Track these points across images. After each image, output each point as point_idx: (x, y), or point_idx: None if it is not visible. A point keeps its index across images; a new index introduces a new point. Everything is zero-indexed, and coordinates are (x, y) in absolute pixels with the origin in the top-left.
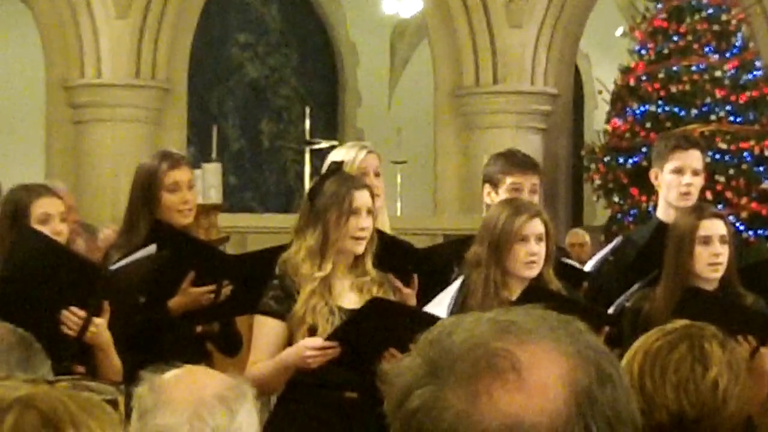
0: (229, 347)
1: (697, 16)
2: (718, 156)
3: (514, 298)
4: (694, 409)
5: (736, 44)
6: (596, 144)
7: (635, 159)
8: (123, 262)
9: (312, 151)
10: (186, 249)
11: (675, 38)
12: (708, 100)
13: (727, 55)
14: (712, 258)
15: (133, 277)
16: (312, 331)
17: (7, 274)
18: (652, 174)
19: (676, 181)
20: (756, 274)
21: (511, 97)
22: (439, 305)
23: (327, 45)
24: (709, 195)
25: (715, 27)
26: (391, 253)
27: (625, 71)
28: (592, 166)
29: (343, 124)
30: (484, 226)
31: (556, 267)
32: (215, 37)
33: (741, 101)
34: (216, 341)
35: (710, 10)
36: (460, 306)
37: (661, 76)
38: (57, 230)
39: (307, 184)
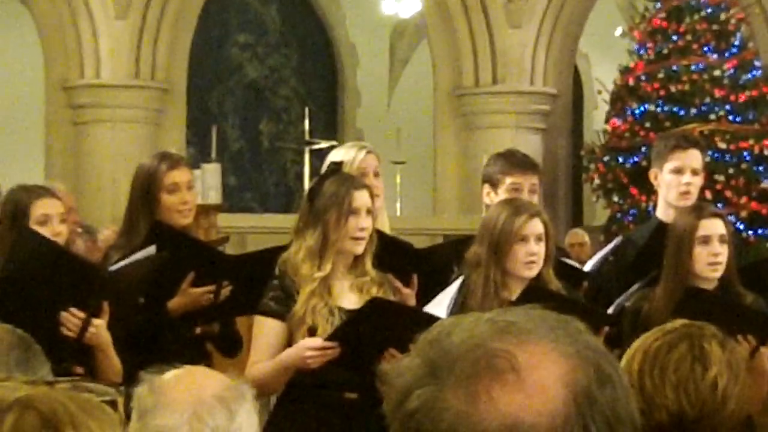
0: (228, 348)
1: (696, 16)
2: (717, 155)
3: (513, 298)
4: (693, 409)
5: (736, 44)
6: (596, 144)
7: (635, 159)
8: (122, 263)
9: (311, 152)
10: (185, 250)
11: (674, 38)
12: (707, 99)
13: (727, 54)
14: (711, 258)
15: (132, 277)
16: (312, 332)
17: (7, 275)
18: (651, 174)
19: (675, 181)
20: (756, 274)
21: (510, 97)
22: (439, 305)
23: (326, 45)
24: (708, 194)
25: (715, 27)
26: (390, 253)
27: (625, 71)
28: (592, 166)
29: (343, 124)
30: (483, 226)
31: (555, 267)
32: (215, 37)
33: (740, 101)
34: (216, 342)
35: (709, 10)
36: (459, 306)
37: (660, 75)
38: (56, 231)
39: (307, 185)
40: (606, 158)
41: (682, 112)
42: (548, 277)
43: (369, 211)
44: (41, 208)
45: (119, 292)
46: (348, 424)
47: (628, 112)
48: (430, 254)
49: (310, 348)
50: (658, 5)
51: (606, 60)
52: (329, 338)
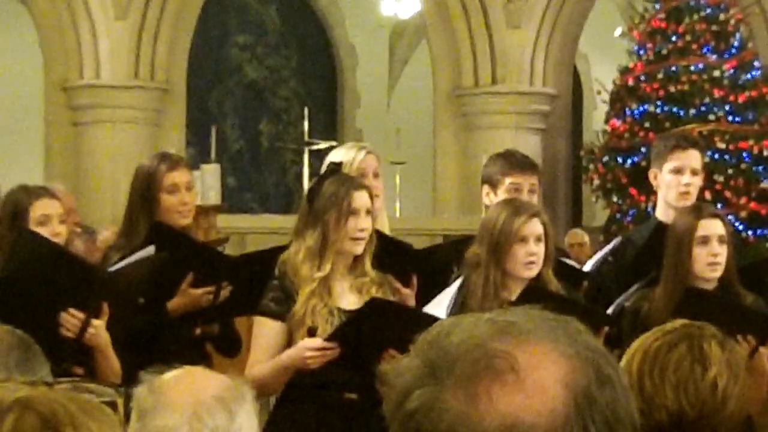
0: (228, 348)
1: (695, 17)
2: (717, 156)
3: (513, 298)
4: (693, 409)
5: (735, 44)
6: (595, 144)
7: (634, 159)
8: (122, 264)
9: (311, 152)
10: (185, 250)
11: (673, 38)
12: (707, 100)
13: (726, 55)
14: (710, 258)
15: (132, 278)
16: (311, 332)
17: (6, 276)
18: (651, 174)
19: (675, 181)
20: (755, 274)
21: (510, 97)
22: (439, 306)
23: (326, 46)
24: (708, 195)
25: (714, 27)
26: (390, 253)
27: (624, 71)
28: (591, 166)
29: (342, 124)
30: (483, 226)
31: (555, 267)
32: (214, 38)
33: (740, 101)
34: (215, 342)
35: (708, 11)
36: (459, 306)
37: (659, 76)
38: (55, 232)
39: (306, 185)
40: (605, 159)
41: (681, 113)
42: (548, 278)
43: (368, 212)
44: (40, 208)
45: (119, 293)
46: (348, 425)
47: (628, 113)
48: (429, 255)
49: (309, 348)
50: (658, 6)
51: (605, 60)
52: (329, 339)
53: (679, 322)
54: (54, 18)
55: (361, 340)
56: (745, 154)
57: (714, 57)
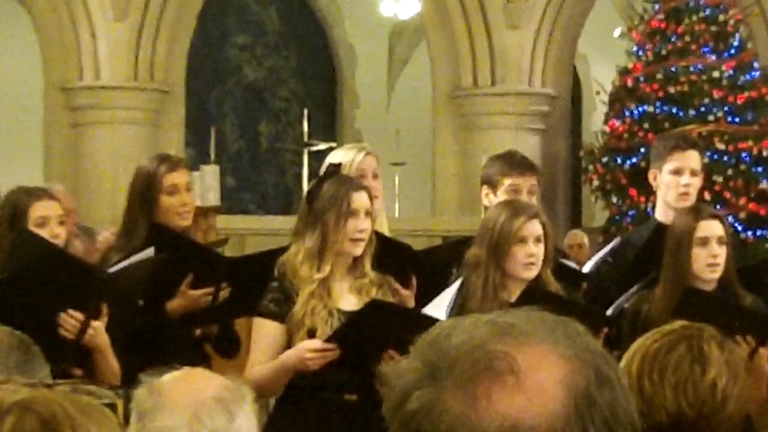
0: (227, 350)
1: (694, 17)
2: (716, 156)
3: (512, 299)
4: (693, 410)
5: (734, 45)
6: (594, 145)
7: (633, 160)
8: (121, 265)
9: (310, 153)
10: (184, 251)
11: (673, 39)
12: (706, 100)
13: (725, 55)
14: (710, 259)
15: (131, 279)
16: (311, 334)
17: (6, 278)
18: (650, 175)
19: (674, 182)
20: (754, 275)
21: (509, 98)
22: (438, 307)
23: (325, 46)
24: (707, 195)
25: (713, 28)
26: (389, 254)
27: (623, 72)
28: (591, 167)
29: (342, 125)
30: (482, 227)
31: (554, 268)
32: (213, 38)
33: (739, 102)
34: (215, 343)
35: (708, 11)
36: (458, 308)
37: (659, 76)
38: (54, 233)
39: (306, 186)
40: (605, 159)
41: (680, 113)
42: (547, 279)
43: (368, 213)
44: (40, 210)
45: (118, 294)
46: (347, 426)
47: (627, 113)
48: (429, 255)
49: (309, 349)
50: (657, 6)
51: (605, 61)
52: (328, 340)
53: (678, 323)
54: (53, 19)
55: (361, 342)
56: (744, 155)
57: (713, 58)
